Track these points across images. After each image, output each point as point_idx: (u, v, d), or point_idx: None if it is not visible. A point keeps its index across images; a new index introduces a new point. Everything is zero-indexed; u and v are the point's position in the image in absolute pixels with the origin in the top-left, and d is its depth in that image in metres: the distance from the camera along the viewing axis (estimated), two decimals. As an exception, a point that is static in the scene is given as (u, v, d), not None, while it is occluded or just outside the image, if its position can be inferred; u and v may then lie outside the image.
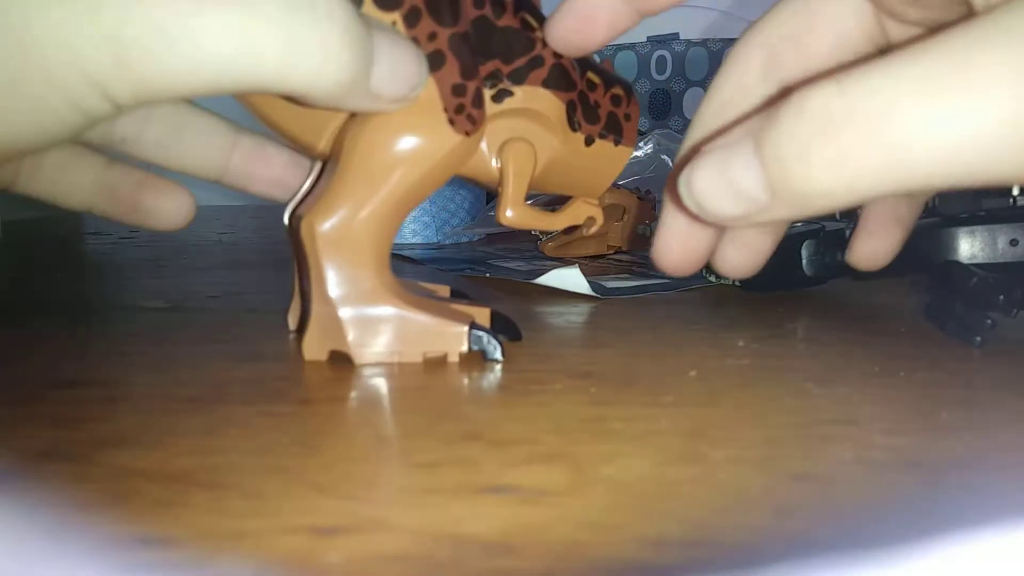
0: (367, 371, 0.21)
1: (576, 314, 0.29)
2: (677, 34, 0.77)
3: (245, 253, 0.47)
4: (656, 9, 0.21)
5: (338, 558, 0.11)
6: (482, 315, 0.23)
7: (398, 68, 0.18)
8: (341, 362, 0.21)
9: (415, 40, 0.19)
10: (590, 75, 0.25)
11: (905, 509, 0.13)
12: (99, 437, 0.16)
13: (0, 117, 0.15)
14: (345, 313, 0.21)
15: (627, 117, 0.26)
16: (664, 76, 0.77)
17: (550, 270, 0.33)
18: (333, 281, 0.21)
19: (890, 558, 0.11)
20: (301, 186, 0.24)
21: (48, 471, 0.15)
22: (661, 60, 0.76)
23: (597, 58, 0.26)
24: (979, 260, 0.27)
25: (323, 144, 0.22)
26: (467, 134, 0.21)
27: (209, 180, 0.25)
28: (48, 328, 0.26)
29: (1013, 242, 0.27)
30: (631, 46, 0.77)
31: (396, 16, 0.19)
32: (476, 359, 0.22)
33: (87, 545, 0.12)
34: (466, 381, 0.20)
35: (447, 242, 0.50)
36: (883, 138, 0.13)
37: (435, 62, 0.20)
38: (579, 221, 0.27)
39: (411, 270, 0.40)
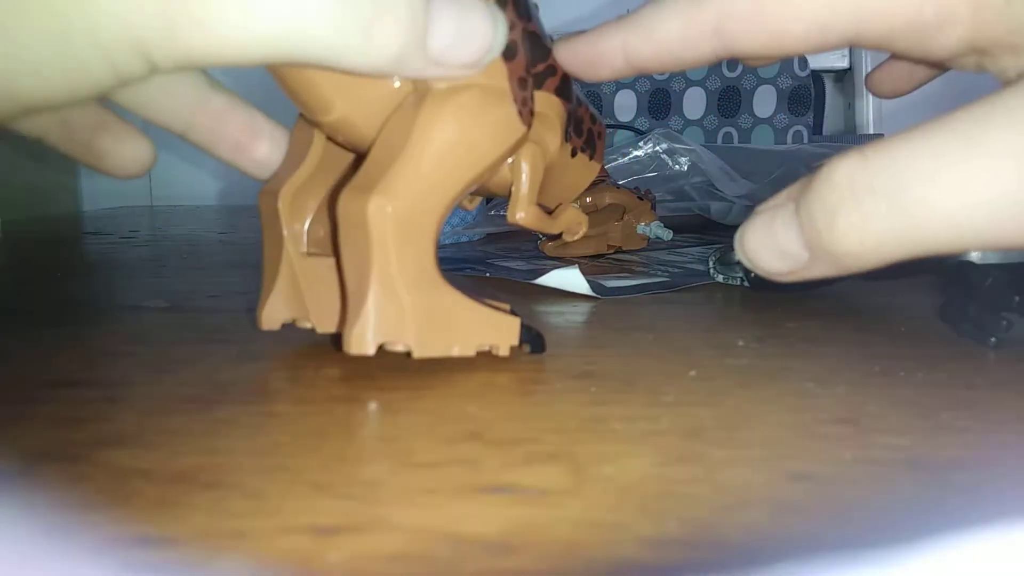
0: (367, 371, 0.21)
1: (576, 314, 0.29)
2: (677, 34, 0.77)
3: (245, 253, 0.47)
4: (649, 71, 0.21)
5: (338, 558, 0.11)
6: (508, 310, 0.23)
7: (463, 30, 0.18)
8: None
9: None
10: (576, 91, 0.25)
11: (905, 509, 0.13)
12: (99, 437, 0.16)
13: (37, 71, 0.15)
14: (410, 301, 0.20)
15: (599, 136, 0.27)
16: (664, 75, 0.77)
17: (550, 270, 0.33)
18: (400, 267, 0.19)
19: (890, 558, 0.11)
20: (268, 158, 0.23)
21: (48, 471, 0.15)
22: (661, 60, 0.76)
23: None
24: (991, 260, 0.27)
25: (367, 123, 0.20)
26: (528, 126, 0.21)
27: (175, 132, 0.23)
28: (48, 328, 0.26)
29: None
30: (631, 46, 0.77)
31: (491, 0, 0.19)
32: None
33: (87, 545, 0.12)
34: (466, 381, 0.20)
35: (447, 242, 0.50)
36: (900, 206, 0.15)
37: (511, 52, 0.20)
38: (570, 226, 0.27)
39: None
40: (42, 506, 0.13)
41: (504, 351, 0.21)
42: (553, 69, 0.23)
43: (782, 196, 0.17)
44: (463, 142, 0.20)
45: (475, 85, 0.20)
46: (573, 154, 0.25)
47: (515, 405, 0.18)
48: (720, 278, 0.34)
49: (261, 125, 0.24)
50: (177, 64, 0.15)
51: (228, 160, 0.24)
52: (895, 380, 0.20)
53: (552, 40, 0.23)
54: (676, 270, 0.38)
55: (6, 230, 0.58)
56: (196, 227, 0.62)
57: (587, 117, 0.26)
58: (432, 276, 0.20)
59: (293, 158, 0.23)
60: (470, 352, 0.21)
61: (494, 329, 0.21)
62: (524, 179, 0.23)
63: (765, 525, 0.13)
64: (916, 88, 0.25)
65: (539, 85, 0.22)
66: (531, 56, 0.21)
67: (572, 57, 0.22)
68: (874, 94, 0.26)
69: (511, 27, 0.20)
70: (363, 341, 0.19)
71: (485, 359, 0.22)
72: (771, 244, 0.17)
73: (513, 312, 0.23)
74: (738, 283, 0.34)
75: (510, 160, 0.23)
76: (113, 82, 0.15)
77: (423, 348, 0.20)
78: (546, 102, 0.23)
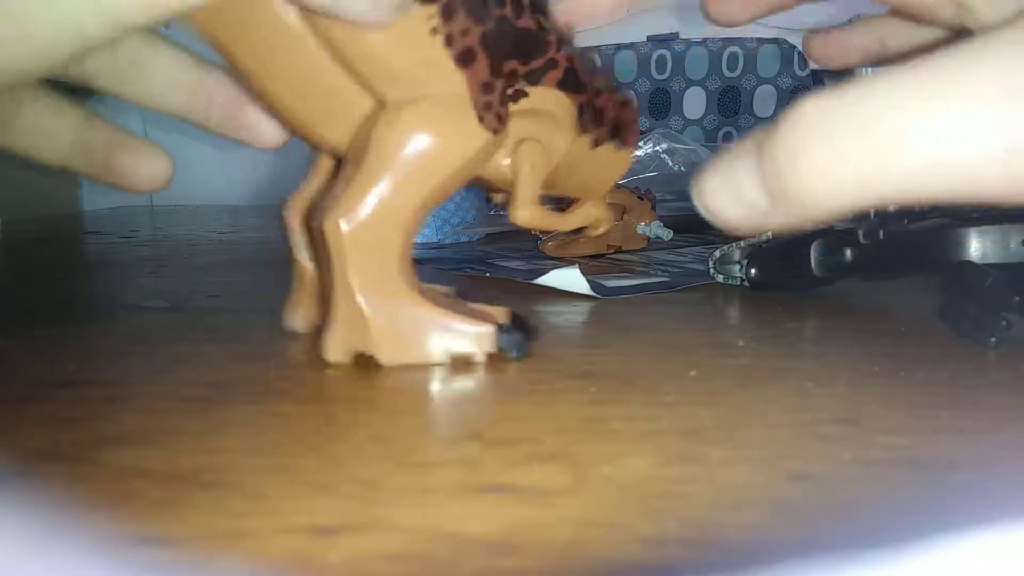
0: (367, 371, 0.21)
1: (576, 314, 0.29)
2: (677, 33, 0.77)
3: (245, 253, 0.47)
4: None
5: (338, 558, 0.11)
6: (503, 315, 0.23)
7: None
8: (364, 364, 0.21)
9: (450, 35, 0.19)
10: (597, 80, 0.25)
11: (905, 509, 0.13)
12: (99, 437, 0.16)
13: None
14: (372, 314, 0.20)
15: (630, 123, 0.27)
16: (664, 75, 0.77)
17: (550, 270, 0.33)
18: (360, 282, 0.20)
19: (890, 558, 0.11)
20: (256, 124, 0.24)
21: (48, 471, 0.15)
22: (661, 59, 0.76)
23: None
24: (991, 260, 0.27)
25: (337, 138, 0.21)
26: (495, 132, 0.21)
27: (174, 115, 0.24)
28: (48, 328, 0.26)
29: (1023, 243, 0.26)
30: (631, 45, 0.77)
31: (434, 9, 0.19)
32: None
33: (87, 545, 0.12)
34: (466, 381, 0.20)
35: (447, 242, 0.50)
36: (872, 143, 0.14)
37: (467, 58, 0.20)
38: (589, 222, 0.27)
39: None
40: (42, 506, 0.13)
41: (480, 358, 0.21)
42: (554, 63, 0.22)
43: (747, 140, 0.17)
44: (418, 154, 0.20)
45: (430, 95, 0.20)
46: (595, 145, 0.25)
47: (515, 405, 0.18)
48: (720, 278, 0.34)
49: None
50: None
51: (222, 131, 0.24)
52: (895, 380, 0.20)
53: (556, 32, 0.22)
54: (676, 270, 0.38)
55: (6, 230, 0.58)
56: (196, 227, 0.62)
57: (611, 105, 0.25)
58: (396, 288, 0.20)
59: (313, 171, 0.24)
60: (442, 360, 0.21)
61: (465, 338, 0.21)
62: (523, 178, 0.23)
63: (765, 525, 0.13)
64: (847, 64, 0.26)
65: (535, 81, 0.22)
66: (506, 57, 0.21)
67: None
68: (807, 55, 0.28)
69: (464, 33, 0.19)
70: (334, 350, 0.21)
71: (487, 361, 0.22)
72: (730, 188, 0.16)
73: (514, 316, 0.23)
74: (738, 283, 0.34)
75: (507, 161, 0.23)
76: (79, 45, 0.15)
77: (390, 357, 0.21)
78: (547, 97, 0.23)
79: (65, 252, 0.49)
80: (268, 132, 0.24)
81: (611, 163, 0.26)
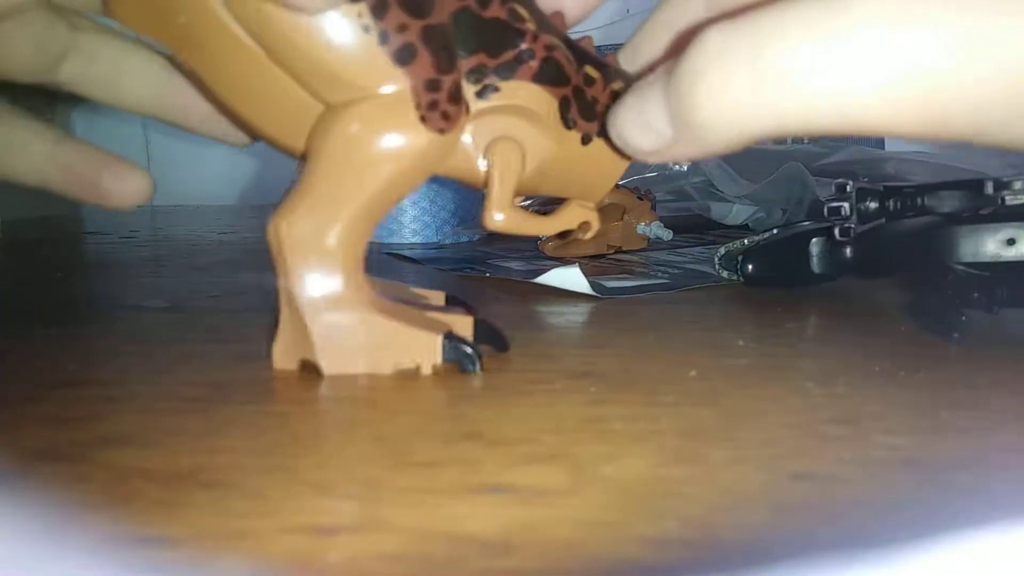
0: (367, 371, 0.21)
1: (576, 314, 0.29)
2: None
3: (245, 253, 0.47)
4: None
5: (338, 557, 0.11)
6: (463, 324, 0.22)
7: None
8: (311, 372, 0.20)
9: (384, 33, 0.19)
10: (588, 69, 0.23)
11: (905, 509, 0.13)
12: (99, 437, 0.16)
13: None
14: (313, 321, 0.20)
15: None
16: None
17: (550, 270, 0.33)
18: (300, 286, 0.20)
19: (890, 558, 0.11)
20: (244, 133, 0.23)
21: (48, 471, 0.15)
22: (661, 60, 0.76)
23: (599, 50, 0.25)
24: (980, 259, 0.27)
25: (304, 146, 0.21)
26: (441, 132, 0.20)
27: (149, 116, 0.24)
28: (48, 328, 0.26)
29: (1010, 241, 0.26)
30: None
31: (362, 7, 0.18)
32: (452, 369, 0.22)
33: (87, 545, 0.12)
34: (466, 381, 0.20)
35: (447, 242, 0.50)
36: (759, 72, 0.14)
37: (406, 56, 0.19)
38: (572, 225, 0.25)
39: (411, 270, 0.40)
40: (42, 506, 0.13)
41: (426, 369, 0.21)
42: (530, 53, 0.21)
43: (659, 69, 0.17)
44: (357, 155, 0.19)
45: (369, 96, 0.19)
46: (585, 141, 0.23)
47: (514, 405, 0.18)
48: (725, 274, 0.35)
49: None
50: None
51: (201, 130, 0.24)
52: (895, 380, 0.20)
53: (536, 21, 0.21)
54: (676, 271, 0.38)
55: (6, 230, 0.58)
56: (196, 227, 0.62)
57: (607, 96, 0.23)
58: (341, 294, 0.20)
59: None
60: (386, 371, 0.20)
61: (411, 348, 0.21)
62: (496, 180, 0.21)
63: (765, 525, 0.13)
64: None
65: (506, 75, 0.21)
66: (447, 54, 0.20)
67: None
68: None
69: (402, 29, 0.19)
70: (280, 357, 0.21)
71: (486, 359, 0.22)
72: (639, 117, 0.17)
73: (479, 323, 0.22)
74: (738, 279, 0.34)
75: (483, 161, 0.21)
76: None
77: (332, 366, 0.20)
78: (520, 92, 0.21)
79: (65, 252, 0.49)
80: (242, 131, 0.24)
81: (607, 161, 0.23)
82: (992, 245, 0.27)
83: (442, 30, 0.19)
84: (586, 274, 0.32)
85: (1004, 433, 0.17)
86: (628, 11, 0.83)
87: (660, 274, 0.37)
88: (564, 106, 0.22)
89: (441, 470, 0.15)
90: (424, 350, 0.21)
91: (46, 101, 0.90)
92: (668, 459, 0.15)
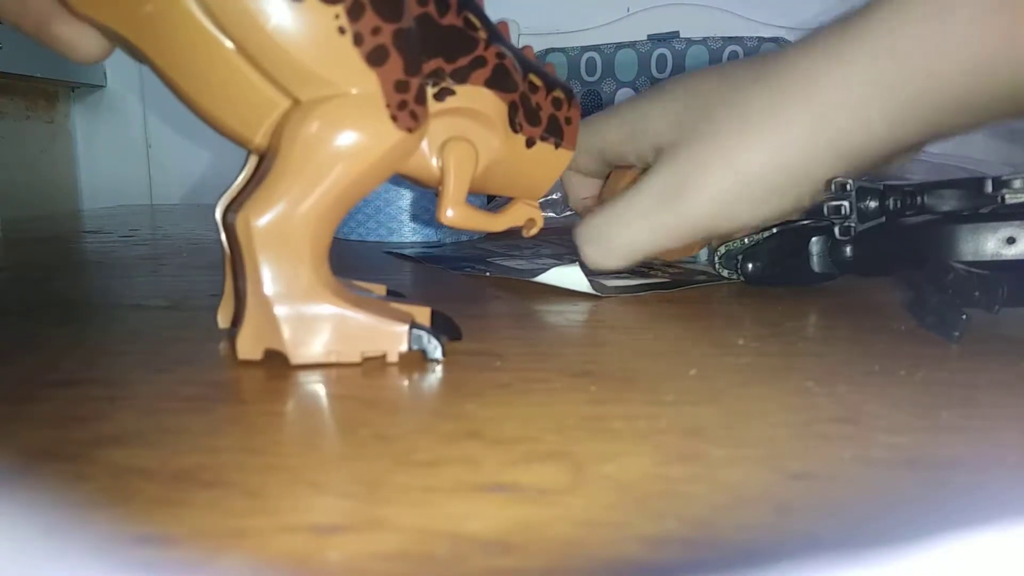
0: (367, 371, 0.21)
1: (576, 312, 0.29)
2: (677, 32, 0.77)
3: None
4: None
5: (338, 557, 0.11)
6: (422, 314, 0.23)
7: None
8: (276, 361, 0.21)
9: (359, 34, 0.19)
10: (532, 77, 0.25)
11: (905, 508, 0.13)
12: (99, 436, 0.16)
13: None
14: (281, 311, 0.20)
15: (568, 120, 0.27)
16: (664, 74, 0.77)
17: (551, 268, 0.33)
18: (269, 278, 0.20)
19: (890, 557, 0.11)
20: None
21: (48, 471, 0.15)
22: (661, 58, 0.76)
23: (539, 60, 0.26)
24: (980, 258, 0.27)
25: (259, 138, 0.21)
26: (409, 131, 0.20)
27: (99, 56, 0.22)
28: (48, 328, 0.26)
29: (1010, 240, 0.26)
30: (631, 44, 0.77)
31: (339, 9, 0.19)
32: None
33: (87, 545, 0.12)
34: (465, 379, 0.20)
35: (447, 241, 0.50)
36: (605, 246, 0.32)
37: (378, 57, 0.20)
38: (519, 223, 0.27)
39: (411, 269, 0.40)
40: (42, 505, 0.13)
41: (392, 357, 0.21)
42: (482, 60, 0.22)
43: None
44: (326, 152, 0.20)
45: (340, 94, 0.20)
46: (529, 144, 0.25)
47: (515, 404, 0.18)
48: (725, 272, 0.35)
49: None
50: None
51: (38, 37, 0.22)
52: (895, 380, 0.20)
53: (487, 30, 0.22)
54: (676, 270, 0.38)
55: (6, 230, 0.58)
56: (196, 227, 0.62)
57: (549, 103, 0.25)
58: (307, 285, 0.20)
59: (244, 169, 0.24)
60: (355, 359, 0.21)
61: (378, 337, 0.21)
62: (450, 178, 0.23)
63: (765, 525, 0.13)
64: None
65: (461, 80, 0.22)
66: (429, 54, 0.21)
67: None
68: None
69: (375, 32, 0.19)
70: (245, 347, 0.21)
71: (486, 358, 0.22)
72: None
73: (435, 314, 0.23)
74: (738, 278, 0.34)
75: (436, 160, 0.23)
76: None
77: (300, 355, 0.21)
78: (474, 96, 0.23)
79: (65, 252, 0.49)
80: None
81: (548, 163, 0.26)
82: (992, 244, 0.27)
83: (410, 34, 0.20)
84: (586, 273, 0.32)
85: (1004, 433, 0.17)
86: (628, 10, 0.83)
87: (660, 274, 0.37)
88: (512, 110, 0.24)
89: (441, 469, 0.15)
90: (390, 339, 0.21)
91: (46, 101, 0.90)
92: (668, 458, 0.15)
